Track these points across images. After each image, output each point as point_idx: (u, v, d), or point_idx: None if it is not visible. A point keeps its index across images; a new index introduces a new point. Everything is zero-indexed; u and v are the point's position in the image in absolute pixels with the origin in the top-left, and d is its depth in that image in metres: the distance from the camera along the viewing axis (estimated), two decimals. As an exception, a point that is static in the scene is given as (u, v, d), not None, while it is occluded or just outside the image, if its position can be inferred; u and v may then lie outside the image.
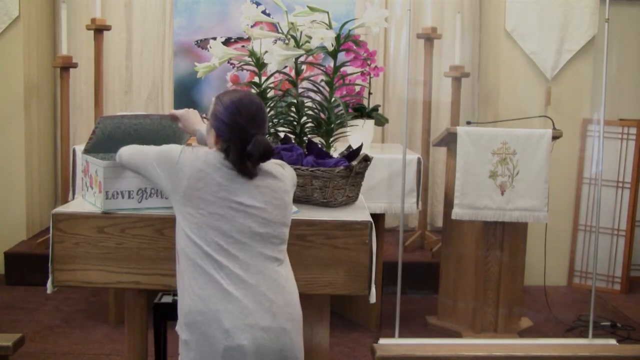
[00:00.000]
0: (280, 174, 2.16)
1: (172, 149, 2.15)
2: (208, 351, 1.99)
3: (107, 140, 2.44)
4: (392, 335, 3.70)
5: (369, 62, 3.26)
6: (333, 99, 2.72)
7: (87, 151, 2.51)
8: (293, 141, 2.73)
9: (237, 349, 1.98)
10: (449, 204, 3.90)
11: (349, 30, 2.72)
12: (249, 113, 2.10)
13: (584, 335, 3.92)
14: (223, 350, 1.98)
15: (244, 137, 2.07)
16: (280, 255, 2.11)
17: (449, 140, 3.91)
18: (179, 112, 2.49)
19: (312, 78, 2.86)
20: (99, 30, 4.74)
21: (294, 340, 2.08)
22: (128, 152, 2.27)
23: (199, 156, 2.09)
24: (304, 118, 2.75)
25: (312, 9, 2.65)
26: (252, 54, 2.74)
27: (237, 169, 2.07)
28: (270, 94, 2.84)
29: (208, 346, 1.99)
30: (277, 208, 2.11)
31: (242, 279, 2.01)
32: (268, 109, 2.70)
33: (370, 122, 3.83)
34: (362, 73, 3.44)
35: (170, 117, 2.50)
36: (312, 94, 2.79)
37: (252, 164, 2.08)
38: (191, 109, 2.51)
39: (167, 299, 2.86)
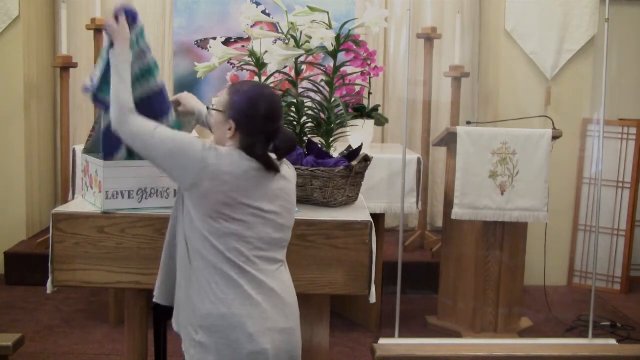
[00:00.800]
0: (289, 174, 2.13)
1: (193, 142, 1.99)
2: (229, 355, 1.97)
3: None
4: (392, 335, 3.70)
5: (369, 62, 3.26)
6: (333, 99, 2.72)
7: (87, 151, 2.51)
8: (293, 141, 2.72)
9: (261, 353, 1.97)
10: (449, 204, 3.90)
11: (349, 30, 2.72)
12: (272, 105, 2.04)
13: (584, 335, 3.92)
14: (247, 354, 1.96)
15: (268, 130, 2.01)
16: (284, 257, 2.11)
17: (449, 140, 3.91)
18: (178, 96, 2.48)
19: (312, 78, 2.86)
20: (99, 30, 4.73)
21: (298, 339, 2.10)
22: (134, 130, 2.04)
23: (223, 155, 1.98)
24: (304, 118, 2.74)
25: (312, 9, 2.65)
26: (252, 54, 2.74)
27: (264, 165, 2.00)
28: (270, 94, 2.84)
29: (230, 350, 1.96)
30: (289, 212, 2.09)
31: (262, 284, 2.00)
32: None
33: (370, 122, 3.82)
34: (362, 73, 3.43)
35: (174, 102, 2.48)
36: (312, 94, 2.78)
37: (279, 158, 2.04)
38: (185, 92, 2.49)
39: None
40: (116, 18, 2.19)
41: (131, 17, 2.23)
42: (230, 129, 2.03)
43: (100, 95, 2.28)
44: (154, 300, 2.25)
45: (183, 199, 2.04)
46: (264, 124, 2.01)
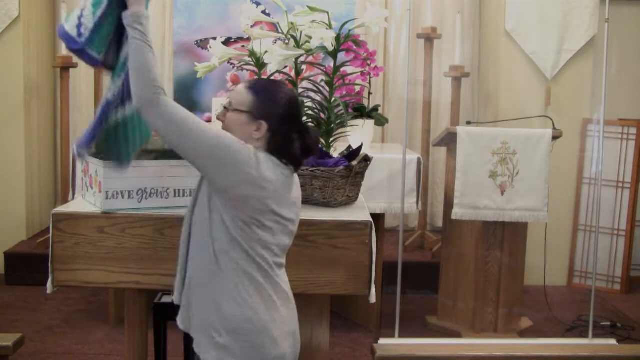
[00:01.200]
0: (297, 180, 2.12)
1: (236, 143, 1.88)
2: (254, 359, 1.96)
3: (108, 148, 2.43)
4: (392, 335, 3.69)
5: (369, 62, 3.26)
6: (333, 99, 2.72)
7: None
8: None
9: (282, 357, 1.98)
10: (449, 204, 3.90)
11: (349, 30, 2.72)
12: (297, 100, 2.02)
13: (584, 335, 3.92)
14: (272, 359, 1.96)
15: (300, 127, 1.99)
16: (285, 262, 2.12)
17: (449, 140, 3.91)
18: None
19: (312, 78, 2.86)
20: (99, 30, 4.73)
21: (299, 340, 2.10)
22: (166, 114, 1.85)
23: (263, 161, 1.92)
24: (304, 118, 2.74)
25: (312, 9, 2.65)
26: (252, 54, 2.74)
27: (296, 167, 1.99)
28: (270, 94, 2.83)
29: (256, 354, 1.95)
30: (298, 218, 2.09)
31: (280, 288, 2.00)
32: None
33: (370, 122, 3.83)
34: (362, 73, 3.43)
35: None
36: (312, 94, 2.78)
37: (312, 155, 2.04)
38: None
39: (167, 299, 2.85)
40: None
41: None
42: (257, 130, 1.94)
43: (90, 50, 2.00)
44: (177, 302, 2.14)
45: (209, 198, 1.94)
46: (296, 121, 1.98)
